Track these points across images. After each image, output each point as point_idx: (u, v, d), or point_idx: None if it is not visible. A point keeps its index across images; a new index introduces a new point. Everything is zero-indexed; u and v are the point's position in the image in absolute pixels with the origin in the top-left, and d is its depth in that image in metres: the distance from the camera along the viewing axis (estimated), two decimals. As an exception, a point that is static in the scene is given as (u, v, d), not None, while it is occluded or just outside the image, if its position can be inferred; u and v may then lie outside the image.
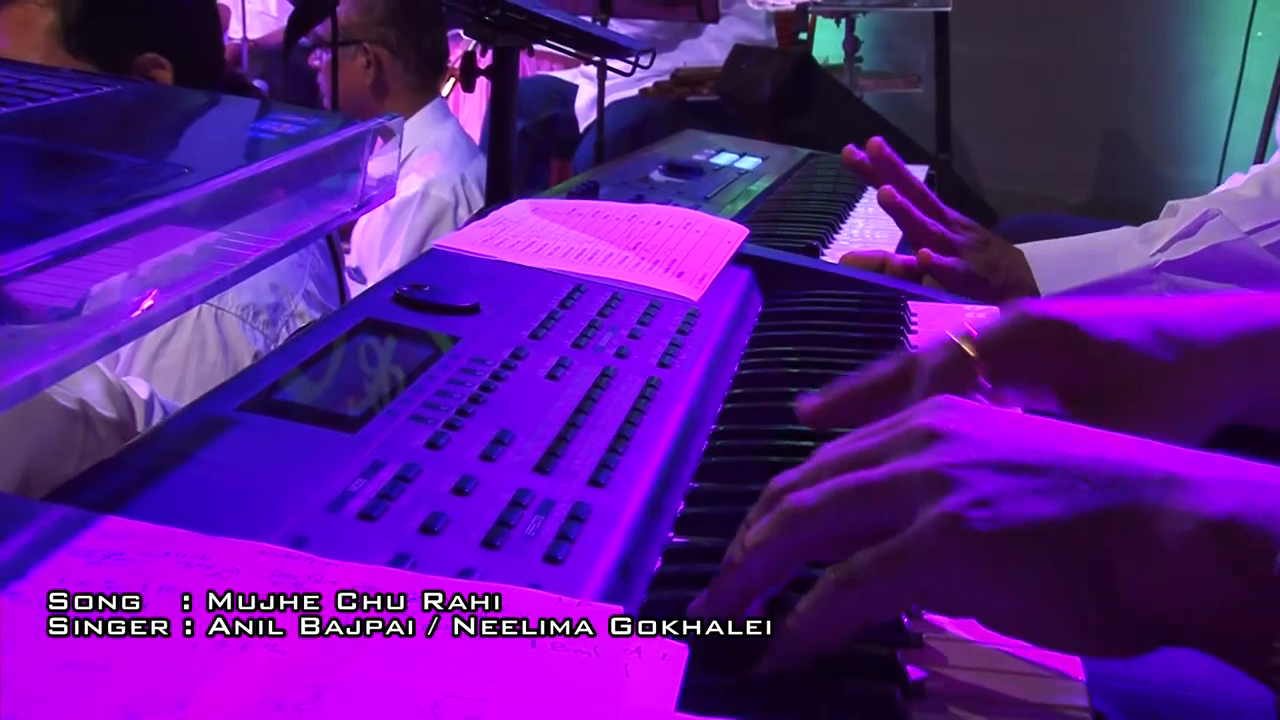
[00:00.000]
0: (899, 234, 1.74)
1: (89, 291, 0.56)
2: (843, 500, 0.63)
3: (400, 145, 0.84)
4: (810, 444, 0.91)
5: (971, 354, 0.80)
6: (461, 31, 4.56)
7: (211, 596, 0.59)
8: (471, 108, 4.70)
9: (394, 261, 3.15)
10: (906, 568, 0.61)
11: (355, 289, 2.38)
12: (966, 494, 0.60)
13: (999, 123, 1.99)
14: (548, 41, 1.63)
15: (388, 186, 0.84)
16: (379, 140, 0.83)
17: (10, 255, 0.49)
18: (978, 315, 1.24)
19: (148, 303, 0.58)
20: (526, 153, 3.91)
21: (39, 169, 0.66)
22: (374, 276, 3.13)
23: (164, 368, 1.87)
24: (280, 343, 2.00)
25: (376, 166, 0.83)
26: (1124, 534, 0.59)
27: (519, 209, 1.35)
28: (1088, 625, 0.60)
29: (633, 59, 1.70)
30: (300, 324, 2.03)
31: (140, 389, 1.47)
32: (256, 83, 4.87)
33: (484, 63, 1.66)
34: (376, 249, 3.20)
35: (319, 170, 0.76)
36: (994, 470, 0.61)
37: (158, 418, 1.48)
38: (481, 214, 1.43)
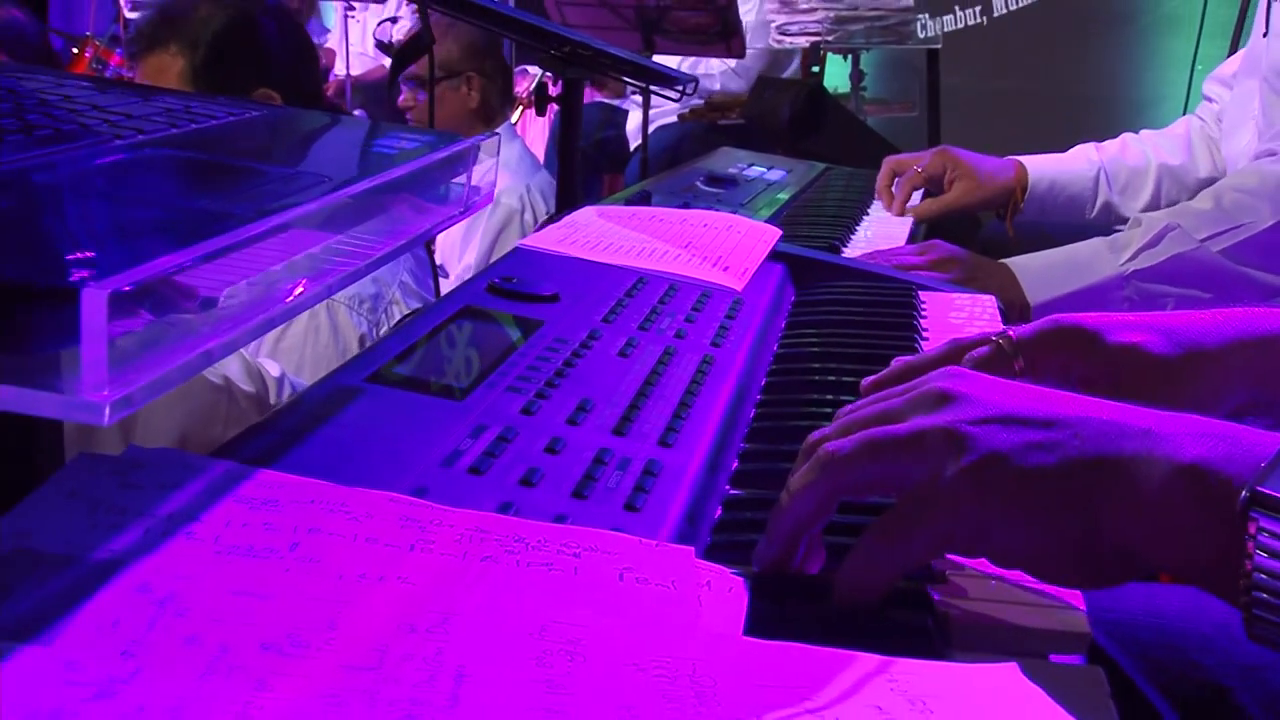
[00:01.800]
0: (905, 234, 1.73)
1: (248, 280, 0.56)
2: (873, 449, 0.63)
3: (498, 158, 0.84)
4: (837, 410, 0.90)
5: (1009, 350, 0.79)
6: (528, 68, 4.56)
7: (352, 537, 0.59)
8: (535, 132, 4.70)
9: (471, 258, 3.16)
10: (933, 516, 0.61)
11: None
12: (978, 449, 0.60)
13: (981, 142, 1.97)
14: (609, 73, 1.62)
15: (487, 193, 0.83)
16: (479, 154, 0.83)
17: (189, 250, 0.49)
18: (962, 299, 1.23)
19: (299, 289, 0.58)
20: (583, 168, 3.90)
21: (207, 178, 0.66)
22: (454, 270, 3.13)
23: (285, 349, 1.88)
24: (381, 328, 2.01)
25: (478, 176, 0.82)
26: (1109, 479, 0.59)
27: (587, 214, 1.34)
28: (1080, 559, 0.60)
29: (679, 87, 1.69)
30: (397, 311, 2.03)
31: (272, 368, 1.48)
32: (357, 112, 4.90)
33: (554, 91, 1.65)
34: (457, 247, 3.21)
35: (433, 179, 0.76)
36: (1000, 426, 0.61)
37: (287, 392, 1.48)
38: (552, 218, 1.43)
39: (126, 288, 0.44)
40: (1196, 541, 0.57)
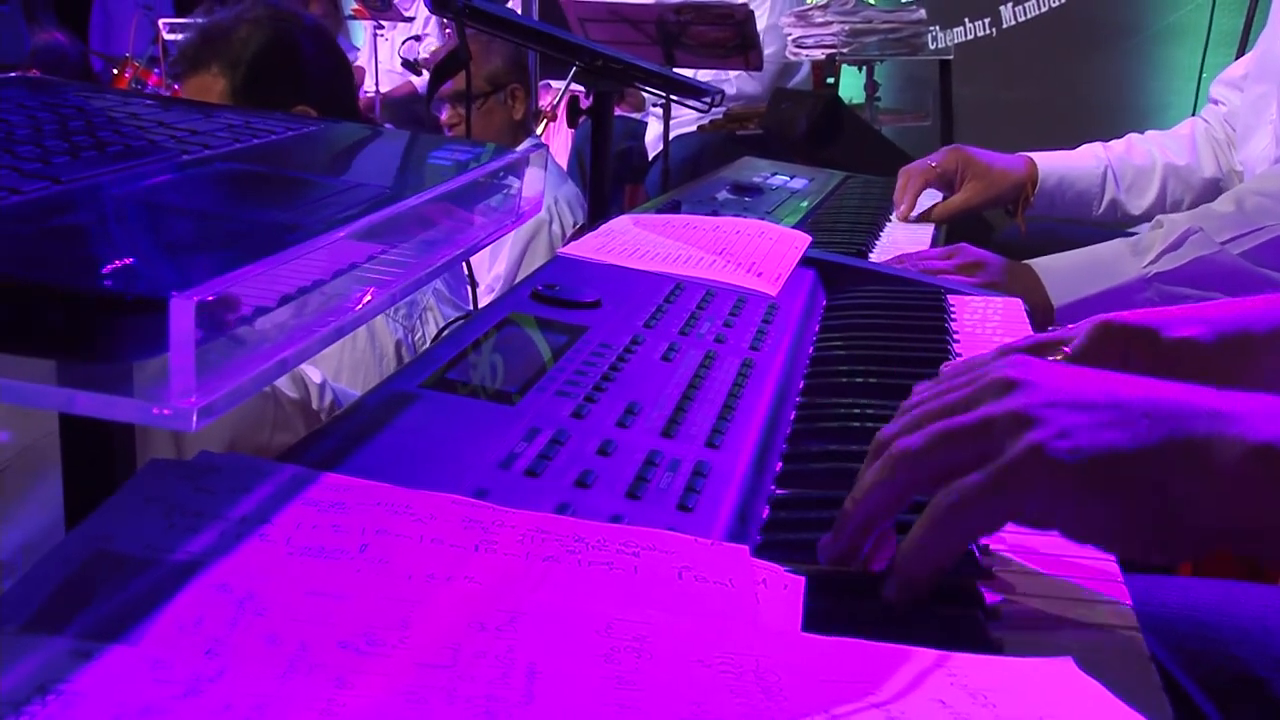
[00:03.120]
0: (928, 239, 1.73)
1: (319, 290, 0.56)
2: (944, 441, 0.62)
3: (546, 169, 0.83)
4: (874, 411, 0.90)
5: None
6: (550, 82, 4.56)
7: (418, 538, 0.59)
8: (556, 145, 4.70)
9: (500, 268, 3.16)
10: (1004, 490, 0.59)
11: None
12: (1048, 428, 0.59)
13: (993, 149, 1.97)
14: (641, 86, 1.62)
15: (535, 203, 0.83)
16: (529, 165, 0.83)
17: (268, 260, 0.49)
18: (990, 303, 1.22)
19: (367, 298, 0.58)
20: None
21: (275, 191, 0.66)
22: (484, 279, 3.13)
23: (323, 355, 1.87)
24: (416, 334, 2.01)
25: (527, 186, 0.82)
26: (1181, 460, 0.58)
27: (623, 223, 1.34)
28: (1153, 535, 0.59)
29: (708, 99, 1.68)
30: (432, 318, 2.03)
31: (314, 374, 1.48)
32: (387, 127, 4.92)
33: (585, 104, 1.64)
34: (486, 257, 3.21)
35: (488, 189, 0.76)
36: (1068, 408, 0.60)
37: (328, 397, 1.48)
38: (582, 229, 1.43)
39: (210, 297, 0.44)
40: (1271, 522, 0.56)
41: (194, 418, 0.43)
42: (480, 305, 1.40)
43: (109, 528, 0.56)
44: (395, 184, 0.66)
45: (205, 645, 0.48)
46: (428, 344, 1.88)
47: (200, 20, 2.04)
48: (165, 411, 0.44)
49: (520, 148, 0.82)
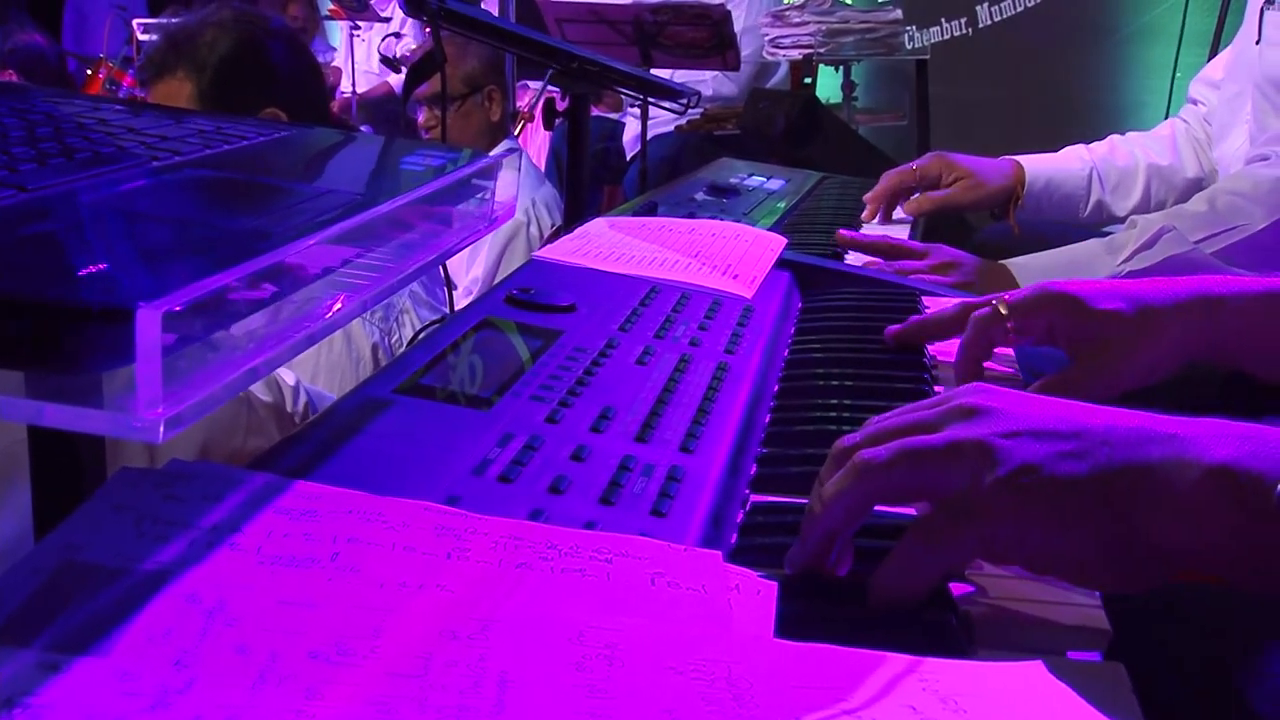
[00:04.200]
0: (904, 236, 1.73)
1: (289, 297, 0.56)
2: (909, 458, 0.62)
3: (520, 172, 0.83)
4: (849, 414, 0.90)
5: (1005, 311, 0.92)
6: (528, 83, 4.55)
7: (390, 546, 0.59)
8: (534, 147, 4.70)
9: (478, 271, 3.15)
10: (971, 522, 0.60)
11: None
12: (1012, 460, 0.60)
13: (970, 149, 1.98)
14: (617, 87, 1.62)
15: (508, 207, 0.83)
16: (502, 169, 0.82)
17: (237, 268, 0.49)
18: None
19: (337, 305, 0.58)
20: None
21: (245, 197, 0.66)
22: (461, 282, 3.13)
23: (299, 358, 1.86)
24: (392, 336, 2.01)
25: (500, 190, 0.82)
26: (1141, 484, 0.59)
27: (599, 225, 1.34)
28: (1118, 563, 0.60)
29: (684, 101, 1.68)
30: (408, 321, 2.02)
31: (288, 377, 1.47)
32: (363, 128, 4.90)
33: (561, 106, 1.64)
34: (464, 260, 3.20)
35: (461, 193, 0.76)
36: (1031, 438, 0.61)
37: (302, 400, 1.48)
38: (559, 231, 1.43)
39: (178, 307, 0.44)
40: (1234, 540, 0.57)
41: (161, 428, 0.43)
42: (457, 308, 1.39)
43: (79, 537, 0.55)
44: (368, 189, 0.66)
45: (174, 656, 0.48)
46: (404, 347, 1.88)
47: (167, 21, 2.04)
48: (133, 423, 0.44)
49: (494, 152, 0.81)
